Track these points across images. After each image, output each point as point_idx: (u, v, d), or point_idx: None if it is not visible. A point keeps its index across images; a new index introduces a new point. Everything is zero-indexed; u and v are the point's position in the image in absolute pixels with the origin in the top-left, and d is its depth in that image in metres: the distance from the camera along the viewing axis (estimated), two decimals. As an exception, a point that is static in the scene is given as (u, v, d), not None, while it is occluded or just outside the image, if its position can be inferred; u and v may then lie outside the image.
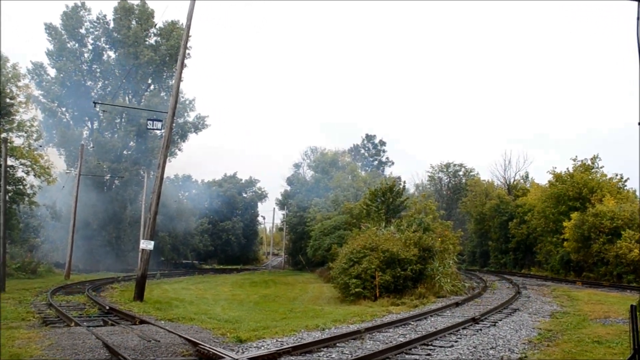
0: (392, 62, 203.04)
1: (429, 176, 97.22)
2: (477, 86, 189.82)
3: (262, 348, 13.65)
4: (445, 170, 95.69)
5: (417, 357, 13.18)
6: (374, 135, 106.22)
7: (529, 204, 65.85)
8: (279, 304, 28.19)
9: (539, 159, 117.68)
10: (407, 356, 13.24)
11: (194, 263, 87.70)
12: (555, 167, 59.51)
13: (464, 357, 13.04)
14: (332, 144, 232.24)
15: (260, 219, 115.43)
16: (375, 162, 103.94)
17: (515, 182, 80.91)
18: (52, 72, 66.01)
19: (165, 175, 29.24)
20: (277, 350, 12.74)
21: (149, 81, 70.77)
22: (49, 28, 65.62)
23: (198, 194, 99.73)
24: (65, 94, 65.11)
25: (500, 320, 19.66)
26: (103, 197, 65.64)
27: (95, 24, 68.12)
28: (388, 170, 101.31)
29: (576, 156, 58.04)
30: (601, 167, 55.87)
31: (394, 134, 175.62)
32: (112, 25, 68.30)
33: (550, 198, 56.57)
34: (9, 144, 41.36)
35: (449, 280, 31.36)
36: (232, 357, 11.73)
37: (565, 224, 49.77)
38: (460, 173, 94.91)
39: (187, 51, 66.61)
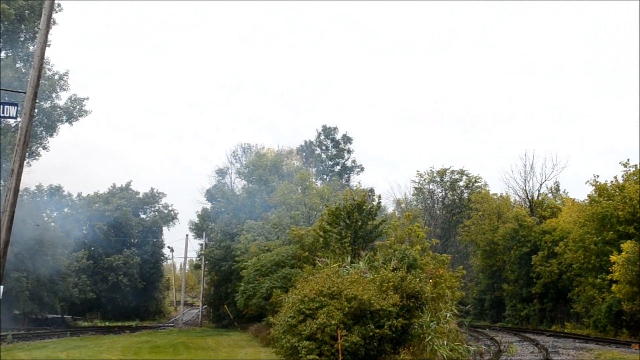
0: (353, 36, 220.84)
1: (416, 188, 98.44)
2: (480, 62, 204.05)
3: None
4: (439, 179, 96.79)
5: None
6: (335, 128, 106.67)
7: (560, 229, 66.96)
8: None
9: (575, 163, 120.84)
10: None
11: (65, 318, 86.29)
12: (598, 176, 60.43)
13: None
14: (274, 140, 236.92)
15: (166, 251, 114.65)
16: (337, 168, 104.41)
17: (540, 198, 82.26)
18: None
19: (22, 187, 28.79)
20: None
21: (-2, 45, 69.60)
22: None
23: (72, 214, 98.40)
24: None
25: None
26: None
27: None
28: (355, 180, 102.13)
29: (628, 160, 59.09)
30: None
31: (363, 132, 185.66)
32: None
33: (592, 220, 57.60)
34: None
35: (445, 343, 31.54)
36: None
37: (613, 258, 50.66)
38: (461, 184, 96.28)
39: (57, 0, 65.74)
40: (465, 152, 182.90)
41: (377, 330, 29.45)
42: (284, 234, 60.79)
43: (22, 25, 68.83)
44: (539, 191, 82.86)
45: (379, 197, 50.12)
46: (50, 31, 27.22)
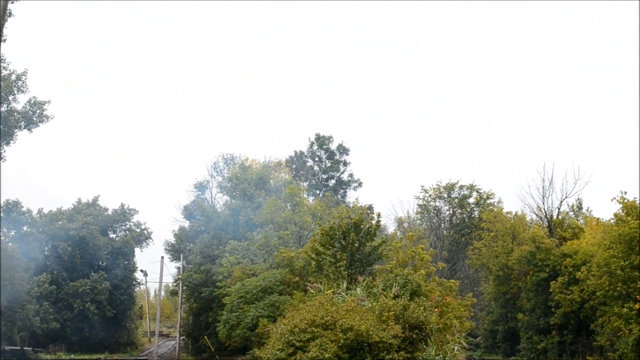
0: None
1: (420, 205, 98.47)
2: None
3: None
4: (446, 195, 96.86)
5: None
6: (330, 137, 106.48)
7: (583, 252, 67.04)
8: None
9: (599, 178, 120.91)
10: None
11: (25, 351, 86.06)
12: (626, 192, 60.44)
13: None
14: (260, 151, 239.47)
15: (139, 275, 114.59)
16: (332, 182, 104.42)
17: (561, 217, 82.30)
18: None
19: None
20: None
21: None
22: None
23: (32, 232, 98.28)
24: None
25: None
26: None
27: None
28: (352, 196, 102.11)
29: (658, 174, 59.43)
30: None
31: (361, 143, 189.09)
32: None
33: (619, 243, 57.65)
34: None
35: (452, 379, 31.55)
36: None
37: (641, 284, 50.78)
38: (471, 201, 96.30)
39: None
40: (476, 164, 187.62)
41: (376, 366, 29.44)
42: (272, 257, 60.70)
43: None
44: (558, 209, 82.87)
45: (379, 215, 49.85)
46: (6, 24, 27.18)
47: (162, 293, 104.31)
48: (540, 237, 74.40)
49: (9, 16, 61.27)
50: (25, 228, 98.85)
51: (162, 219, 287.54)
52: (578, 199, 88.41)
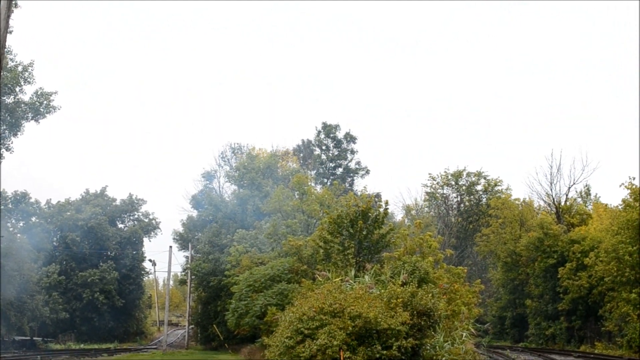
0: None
1: (428, 193, 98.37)
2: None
3: None
4: (454, 182, 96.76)
5: None
6: (337, 126, 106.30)
7: (591, 238, 66.99)
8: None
9: (608, 165, 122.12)
10: None
11: (35, 341, 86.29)
12: (634, 178, 60.34)
13: None
14: (267, 140, 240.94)
15: (148, 265, 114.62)
16: (339, 170, 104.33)
17: (569, 203, 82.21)
18: None
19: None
20: None
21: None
22: None
23: (41, 223, 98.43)
24: None
25: None
26: None
27: None
28: (360, 184, 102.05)
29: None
30: None
31: (368, 131, 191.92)
32: None
33: (627, 228, 57.59)
34: None
35: (461, 365, 31.56)
36: None
37: (650, 269, 50.74)
38: (479, 188, 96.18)
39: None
40: (484, 151, 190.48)
41: (385, 352, 29.47)
42: (280, 245, 60.80)
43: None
44: (566, 195, 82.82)
45: (386, 203, 49.88)
46: (12, 15, 27.14)
47: (171, 282, 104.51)
48: (549, 223, 74.35)
49: (15, 7, 61.37)
50: (33, 219, 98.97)
51: (170, 209, 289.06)
52: (586, 185, 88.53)
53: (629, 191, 59.01)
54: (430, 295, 33.30)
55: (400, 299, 32.01)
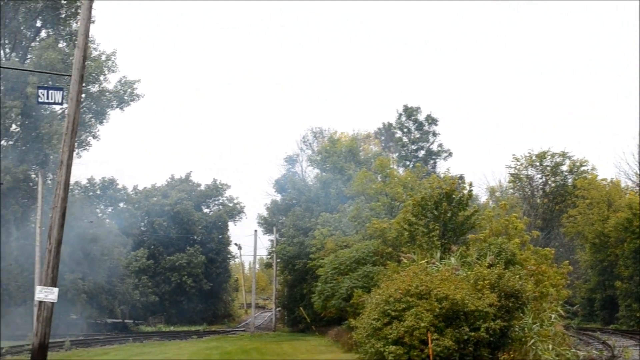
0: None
1: (512, 175, 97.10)
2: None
3: None
4: (538, 163, 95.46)
5: None
6: (418, 108, 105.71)
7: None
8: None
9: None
10: None
11: (126, 323, 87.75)
12: None
13: None
14: (349, 125, 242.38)
15: (233, 248, 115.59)
16: (422, 153, 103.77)
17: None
18: None
19: (73, 180, 29.13)
20: None
21: (38, 24, 70.78)
22: None
23: (128, 209, 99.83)
24: None
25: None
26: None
27: None
28: (443, 166, 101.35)
29: None
30: None
31: (449, 112, 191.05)
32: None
33: None
34: None
35: (550, 347, 31.20)
36: None
37: None
38: (564, 169, 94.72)
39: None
40: (570, 130, 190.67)
41: (473, 334, 29.32)
42: (364, 228, 60.68)
43: (63, 0, 69.78)
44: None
45: (470, 184, 49.56)
46: (94, 5, 27.47)
47: (257, 266, 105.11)
48: (637, 203, 73.04)
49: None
50: (121, 205, 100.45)
51: (256, 195, 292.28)
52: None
53: None
54: (517, 277, 33.01)
55: (487, 281, 31.80)
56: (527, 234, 47.51)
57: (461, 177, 74.86)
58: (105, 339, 65.00)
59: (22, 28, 69.28)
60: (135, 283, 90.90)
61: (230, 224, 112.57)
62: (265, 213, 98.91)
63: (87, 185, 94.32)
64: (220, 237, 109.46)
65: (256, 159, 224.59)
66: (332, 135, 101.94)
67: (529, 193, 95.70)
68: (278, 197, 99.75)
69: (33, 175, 67.22)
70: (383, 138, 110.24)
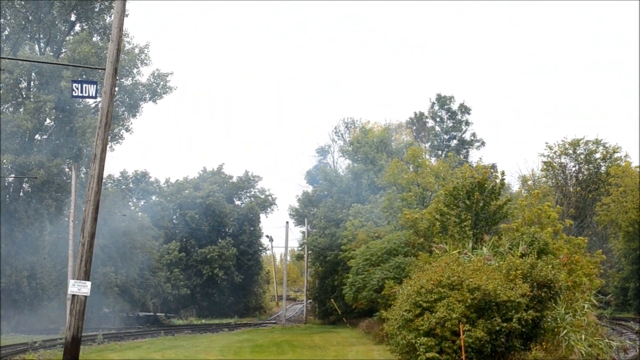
0: None
1: (544, 163, 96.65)
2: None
3: None
4: (572, 151, 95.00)
5: None
6: (451, 97, 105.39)
7: None
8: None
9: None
10: None
11: (158, 316, 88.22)
12: None
13: None
14: (380, 114, 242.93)
15: (265, 240, 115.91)
16: (454, 142, 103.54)
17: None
18: None
19: (106, 173, 29.48)
20: None
21: (72, 18, 71.22)
22: None
23: (160, 202, 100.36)
24: None
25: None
26: (2, 212, 66.21)
27: None
28: (475, 155, 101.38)
29: None
30: None
31: (480, 101, 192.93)
32: None
33: None
34: None
35: (583, 337, 31.16)
36: None
37: None
38: (598, 156, 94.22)
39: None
40: (604, 116, 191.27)
41: (505, 324, 29.35)
42: (395, 219, 60.74)
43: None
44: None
45: (503, 173, 49.30)
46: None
47: (288, 258, 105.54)
48: (672, 190, 72.76)
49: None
50: (154, 198, 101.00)
51: (287, 186, 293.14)
52: None
53: None
54: (550, 266, 33.03)
55: (520, 271, 31.81)
56: (559, 222, 47.37)
57: (493, 166, 74.68)
58: (137, 332, 65.48)
59: (56, 22, 69.71)
60: (167, 276, 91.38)
61: (262, 216, 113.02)
62: (296, 204, 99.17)
63: (120, 178, 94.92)
64: (251, 229, 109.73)
65: (289, 150, 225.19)
66: (364, 125, 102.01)
67: (561, 181, 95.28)
68: (309, 189, 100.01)
69: (67, 169, 67.67)
70: (415, 128, 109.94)
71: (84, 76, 62.92)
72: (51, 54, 69.36)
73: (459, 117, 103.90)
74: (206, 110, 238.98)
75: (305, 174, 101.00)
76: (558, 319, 31.56)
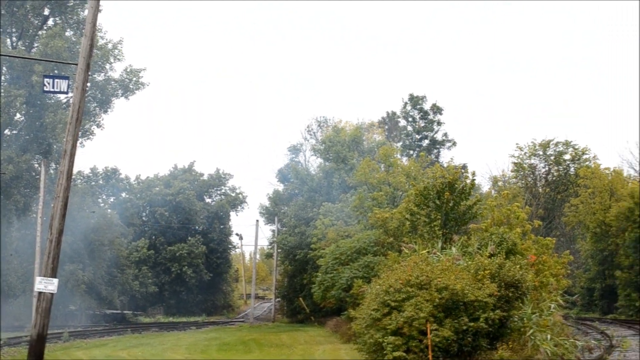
0: None
1: (515, 164, 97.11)
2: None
3: None
4: (542, 152, 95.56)
5: None
6: (423, 97, 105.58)
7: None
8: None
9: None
10: None
11: (125, 314, 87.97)
12: None
13: None
14: (353, 113, 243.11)
15: (234, 239, 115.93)
16: (426, 142, 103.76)
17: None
18: None
19: (76, 169, 29.48)
20: None
21: (46, 12, 70.94)
22: None
23: (130, 199, 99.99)
24: None
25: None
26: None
27: None
28: (447, 155, 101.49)
29: None
30: None
31: (453, 100, 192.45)
32: None
33: None
34: None
35: (549, 337, 31.42)
36: None
37: None
38: (567, 157, 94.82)
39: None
40: (574, 119, 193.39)
41: (472, 324, 29.53)
42: (366, 218, 60.93)
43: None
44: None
45: (473, 174, 49.49)
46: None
47: (257, 256, 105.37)
48: (639, 193, 73.33)
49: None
50: (123, 195, 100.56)
51: (258, 185, 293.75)
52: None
53: None
54: (518, 266, 33.27)
55: (488, 271, 32.02)
56: (528, 223, 47.61)
57: (464, 167, 75.27)
58: (104, 330, 65.33)
59: (29, 16, 69.45)
60: (135, 274, 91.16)
61: (232, 214, 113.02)
62: (267, 203, 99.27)
63: (90, 175, 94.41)
64: (221, 227, 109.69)
65: (261, 148, 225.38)
66: (337, 124, 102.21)
67: (531, 182, 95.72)
68: (280, 187, 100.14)
69: (36, 165, 67.41)
70: (387, 127, 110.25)
71: (55, 71, 62.73)
72: (23, 48, 69.09)
73: (430, 117, 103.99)
74: (178, 107, 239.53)
75: (277, 172, 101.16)
76: (525, 319, 31.80)
